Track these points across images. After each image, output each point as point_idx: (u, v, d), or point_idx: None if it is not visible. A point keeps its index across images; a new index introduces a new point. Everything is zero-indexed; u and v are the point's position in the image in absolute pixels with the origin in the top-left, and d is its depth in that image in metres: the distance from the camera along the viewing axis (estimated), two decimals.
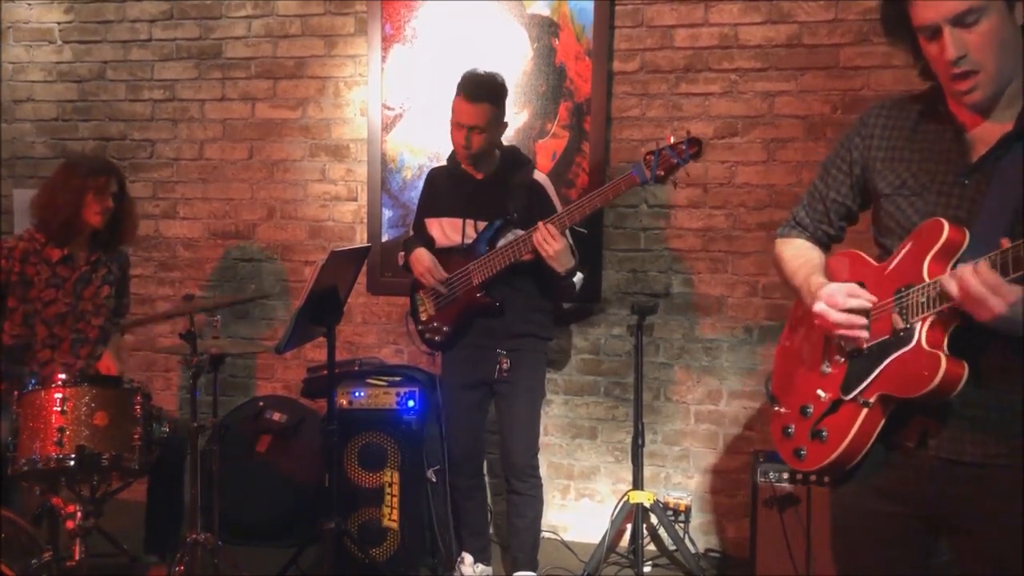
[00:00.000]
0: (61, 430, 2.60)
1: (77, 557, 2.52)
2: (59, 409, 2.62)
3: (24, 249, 3.20)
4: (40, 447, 2.61)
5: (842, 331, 1.65)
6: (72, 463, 2.58)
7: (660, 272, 3.68)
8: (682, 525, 3.55)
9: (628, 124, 3.66)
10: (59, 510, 2.61)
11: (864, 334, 1.63)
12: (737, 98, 3.55)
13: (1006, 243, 1.41)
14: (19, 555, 2.52)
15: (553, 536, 3.78)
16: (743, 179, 3.57)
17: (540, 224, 2.87)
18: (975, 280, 1.40)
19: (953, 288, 1.44)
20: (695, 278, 3.65)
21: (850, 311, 1.63)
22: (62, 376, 2.72)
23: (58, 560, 2.54)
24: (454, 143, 3.05)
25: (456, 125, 2.99)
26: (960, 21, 1.49)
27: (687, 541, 3.49)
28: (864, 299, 1.63)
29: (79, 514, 2.55)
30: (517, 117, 3.73)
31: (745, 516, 3.49)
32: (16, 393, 2.72)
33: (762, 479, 3.19)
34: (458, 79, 3.01)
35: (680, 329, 3.68)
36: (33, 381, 2.78)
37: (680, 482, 3.71)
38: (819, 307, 1.66)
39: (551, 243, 2.84)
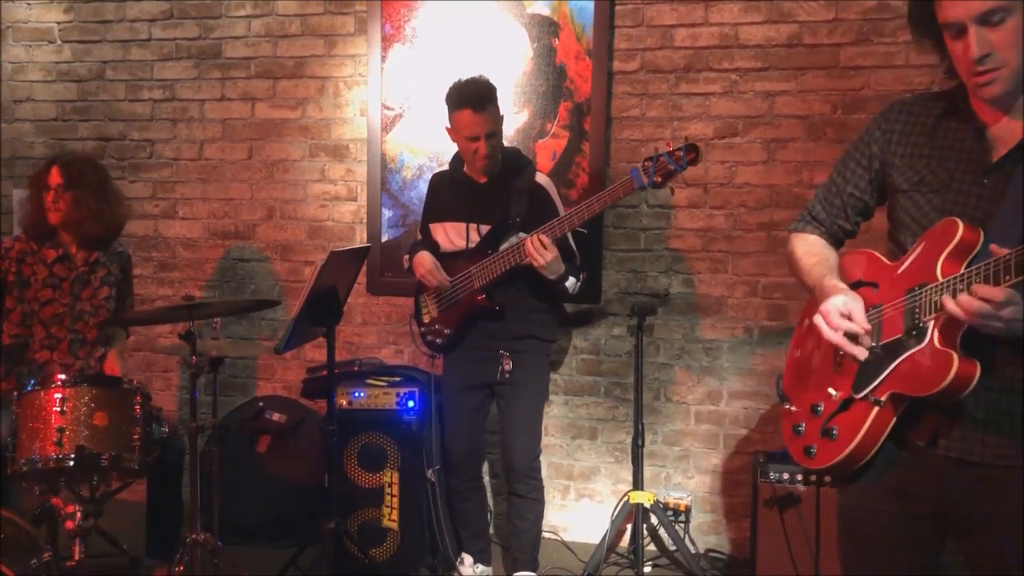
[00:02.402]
0: (61, 430, 2.60)
1: (77, 557, 2.51)
2: (59, 409, 2.62)
3: (21, 249, 3.23)
4: (40, 447, 2.61)
5: (837, 346, 1.67)
6: (72, 463, 2.58)
7: (660, 272, 3.68)
8: (682, 525, 3.55)
9: (628, 124, 3.66)
10: (59, 510, 2.60)
11: (860, 355, 1.63)
12: (737, 98, 3.55)
13: (997, 250, 1.42)
14: (19, 555, 2.52)
15: (553, 536, 3.78)
16: (743, 179, 3.57)
17: (534, 235, 2.87)
18: (973, 300, 1.41)
19: (958, 312, 1.44)
20: (695, 278, 3.65)
21: (845, 332, 1.64)
22: (62, 376, 2.72)
23: (58, 560, 2.54)
24: (473, 156, 3.03)
25: (469, 139, 2.99)
26: (986, 20, 1.48)
27: (687, 541, 3.49)
28: (859, 324, 1.63)
29: (79, 514, 2.54)
30: (517, 117, 3.72)
31: (745, 516, 3.49)
32: (16, 393, 2.72)
33: (762, 479, 3.19)
34: (448, 96, 3.00)
35: (680, 329, 3.67)
36: (33, 381, 2.78)
37: (680, 482, 3.71)
38: (816, 321, 1.68)
39: (543, 253, 2.85)
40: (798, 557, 3.11)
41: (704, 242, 3.63)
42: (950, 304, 1.45)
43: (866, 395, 1.64)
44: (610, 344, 3.76)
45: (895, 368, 1.59)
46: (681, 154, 2.71)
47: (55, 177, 3.19)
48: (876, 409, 1.62)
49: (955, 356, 1.49)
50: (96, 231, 3.25)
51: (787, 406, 1.87)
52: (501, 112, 3.05)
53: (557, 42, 3.67)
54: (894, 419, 1.61)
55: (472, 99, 2.95)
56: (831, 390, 1.73)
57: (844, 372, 1.72)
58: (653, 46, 3.61)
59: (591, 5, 3.61)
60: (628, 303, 3.63)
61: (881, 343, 1.63)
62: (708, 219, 3.62)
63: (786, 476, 3.16)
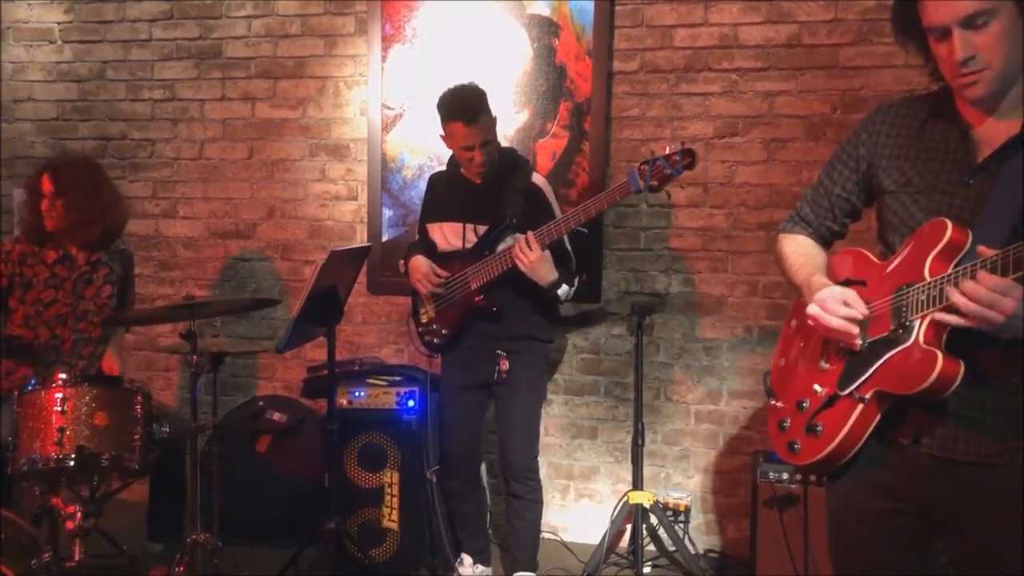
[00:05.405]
0: (61, 430, 2.60)
1: (77, 558, 2.52)
2: (59, 409, 2.62)
3: (22, 251, 3.24)
4: (40, 447, 2.61)
5: (835, 336, 1.68)
6: (72, 463, 2.58)
7: (660, 272, 3.68)
8: (682, 525, 3.55)
9: (628, 124, 3.66)
10: (59, 510, 2.61)
11: (857, 341, 1.64)
12: (737, 98, 3.55)
13: (985, 251, 1.43)
14: (19, 555, 2.52)
15: (553, 537, 3.78)
16: (743, 179, 3.57)
17: (522, 236, 2.87)
18: (980, 288, 1.41)
19: (960, 300, 1.44)
20: (695, 278, 3.65)
21: (844, 318, 1.64)
22: (62, 376, 2.72)
23: (58, 560, 2.54)
24: (469, 164, 3.04)
25: (464, 149, 2.99)
26: (970, 23, 1.49)
27: (687, 541, 3.49)
28: (858, 310, 1.64)
29: (79, 514, 2.55)
30: (517, 117, 3.73)
31: (745, 516, 3.49)
32: (16, 393, 2.73)
33: (762, 479, 3.19)
34: (439, 106, 3.00)
35: (680, 329, 3.67)
36: (33, 381, 2.78)
37: (680, 482, 3.71)
38: (812, 310, 1.69)
39: (527, 254, 2.86)
40: (797, 557, 3.11)
41: (704, 241, 3.63)
42: (955, 296, 1.45)
43: (851, 392, 1.65)
44: (610, 343, 3.76)
45: (880, 366, 1.60)
46: (678, 158, 2.70)
47: (47, 184, 3.19)
48: (860, 406, 1.63)
49: (939, 355, 1.50)
50: (91, 235, 3.24)
51: (773, 401, 1.89)
52: (494, 115, 3.03)
53: (557, 42, 3.67)
54: (878, 417, 1.62)
55: (463, 112, 2.93)
56: (816, 386, 1.74)
57: (830, 369, 1.73)
58: (653, 46, 3.61)
59: (591, 5, 3.61)
60: (628, 302, 3.63)
61: (867, 340, 1.64)
62: (708, 218, 3.62)
63: (785, 476, 3.16)
